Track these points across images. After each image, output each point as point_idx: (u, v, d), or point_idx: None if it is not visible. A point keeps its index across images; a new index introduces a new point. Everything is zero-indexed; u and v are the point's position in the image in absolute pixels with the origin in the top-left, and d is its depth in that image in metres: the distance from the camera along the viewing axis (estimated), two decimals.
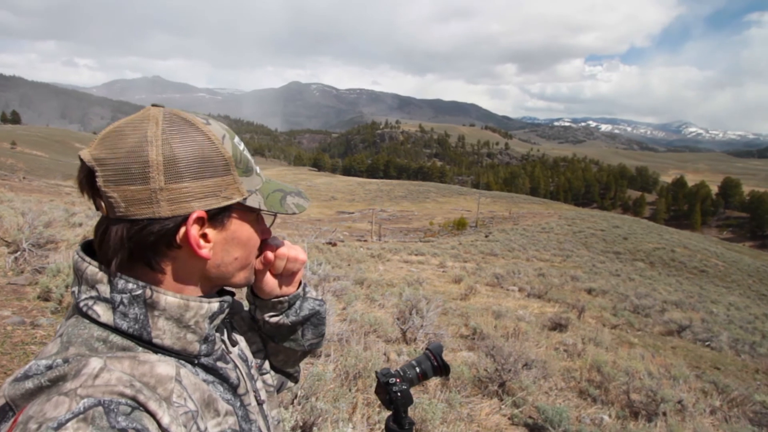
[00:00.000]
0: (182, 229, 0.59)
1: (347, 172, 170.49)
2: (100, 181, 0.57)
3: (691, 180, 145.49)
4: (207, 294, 0.67)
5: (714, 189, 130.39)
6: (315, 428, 2.15)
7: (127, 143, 0.57)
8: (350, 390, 2.75)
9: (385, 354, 4.16)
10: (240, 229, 0.66)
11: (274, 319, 0.81)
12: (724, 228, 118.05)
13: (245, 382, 0.72)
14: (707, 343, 9.29)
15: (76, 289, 0.60)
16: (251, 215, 0.68)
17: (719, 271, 31.54)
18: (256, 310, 0.83)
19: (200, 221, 0.61)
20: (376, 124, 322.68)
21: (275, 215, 0.75)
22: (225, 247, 0.65)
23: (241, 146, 0.67)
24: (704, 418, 4.38)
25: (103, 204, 0.58)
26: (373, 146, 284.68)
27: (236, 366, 0.72)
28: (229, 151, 0.63)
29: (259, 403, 0.76)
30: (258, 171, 0.70)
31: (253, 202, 0.66)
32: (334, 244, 19.98)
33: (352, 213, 60.59)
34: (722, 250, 41.27)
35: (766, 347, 9.77)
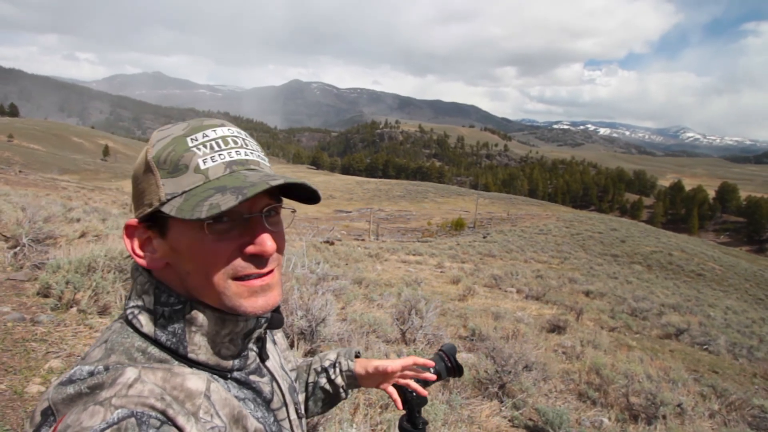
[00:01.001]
0: None
1: (346, 171, 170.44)
2: None
3: (689, 184, 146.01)
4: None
5: (711, 193, 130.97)
6: (320, 428, 2.14)
7: None
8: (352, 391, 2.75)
9: (385, 355, 4.15)
10: (179, 239, 0.59)
11: (344, 393, 0.96)
12: (721, 232, 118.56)
13: (283, 395, 0.71)
14: (705, 347, 9.32)
15: (128, 295, 0.63)
16: (195, 224, 0.57)
17: (716, 275, 31.65)
18: (349, 380, 0.94)
19: (136, 229, 0.62)
20: (375, 123, 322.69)
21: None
22: (174, 258, 0.60)
23: (195, 141, 0.60)
24: (703, 422, 4.38)
25: None
26: (372, 146, 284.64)
27: (273, 379, 0.71)
28: (153, 152, 0.60)
29: (299, 417, 0.76)
30: (203, 167, 0.59)
31: (167, 207, 0.58)
32: (332, 243, 19.96)
33: (350, 212, 60.59)
34: (719, 254, 41.41)
35: (764, 351, 9.81)
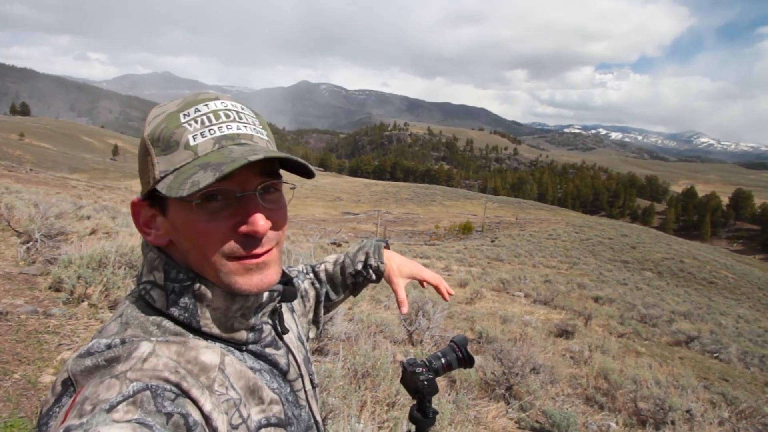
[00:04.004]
0: None
1: (354, 173, 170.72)
2: None
3: (702, 191, 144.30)
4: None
5: (725, 200, 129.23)
6: (329, 422, 2.15)
7: None
8: (359, 387, 2.75)
9: (392, 354, 4.16)
10: (176, 217, 0.59)
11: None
12: (735, 240, 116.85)
13: (298, 367, 0.73)
14: (716, 355, 9.20)
15: (139, 271, 0.63)
16: (187, 203, 0.57)
17: (729, 282, 31.22)
18: (380, 274, 1.00)
19: (142, 207, 0.62)
20: (384, 125, 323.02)
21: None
22: (176, 236, 0.61)
23: (187, 117, 0.59)
24: (713, 429, 4.32)
25: None
26: (380, 148, 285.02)
27: (289, 351, 0.72)
28: (148, 130, 0.59)
29: (314, 386, 0.77)
30: (192, 143, 0.58)
31: (161, 185, 0.57)
32: (339, 245, 20.02)
33: (357, 214, 60.63)
34: (732, 261, 40.85)
35: None
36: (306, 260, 8.84)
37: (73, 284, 4.08)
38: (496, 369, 4.16)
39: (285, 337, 0.73)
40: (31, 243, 5.39)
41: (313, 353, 3.60)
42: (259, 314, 0.65)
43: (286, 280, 0.73)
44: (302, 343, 0.80)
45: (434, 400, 3.09)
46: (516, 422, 3.62)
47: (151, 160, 0.58)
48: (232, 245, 0.58)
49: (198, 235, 0.57)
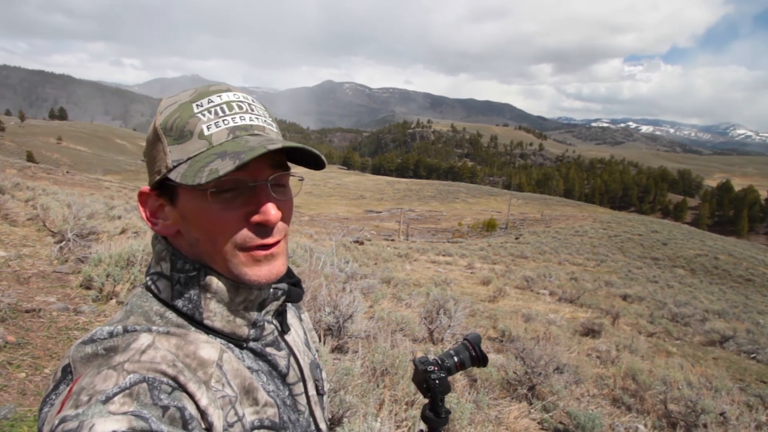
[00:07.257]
0: None
1: (377, 171, 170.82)
2: None
3: (739, 184, 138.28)
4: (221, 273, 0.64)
5: (763, 194, 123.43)
6: (345, 420, 2.16)
7: None
8: (378, 386, 2.75)
9: (412, 353, 4.14)
10: (187, 206, 0.59)
11: None
12: None
13: (300, 371, 0.70)
14: (753, 356, 8.80)
15: (150, 263, 0.65)
16: (200, 192, 0.58)
17: (767, 280, 29.82)
18: None
19: (149, 197, 0.63)
20: (407, 123, 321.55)
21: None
22: (184, 226, 0.61)
23: (200, 107, 0.60)
24: None
25: None
26: (403, 145, 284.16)
27: (291, 353, 0.70)
28: (160, 120, 0.60)
29: (320, 394, 0.75)
30: (207, 132, 0.59)
31: (174, 174, 0.58)
32: (362, 243, 20.09)
33: (381, 212, 60.69)
34: None
35: None
36: (328, 258, 8.90)
37: (102, 282, 4.23)
38: (518, 368, 4.09)
39: (289, 339, 0.71)
40: (64, 242, 5.61)
41: (332, 351, 3.62)
42: (263, 311, 0.65)
43: (294, 281, 0.72)
44: (309, 349, 0.78)
45: (454, 399, 3.05)
46: (539, 423, 3.55)
47: (163, 149, 0.59)
48: (244, 235, 0.59)
49: (210, 224, 0.58)
